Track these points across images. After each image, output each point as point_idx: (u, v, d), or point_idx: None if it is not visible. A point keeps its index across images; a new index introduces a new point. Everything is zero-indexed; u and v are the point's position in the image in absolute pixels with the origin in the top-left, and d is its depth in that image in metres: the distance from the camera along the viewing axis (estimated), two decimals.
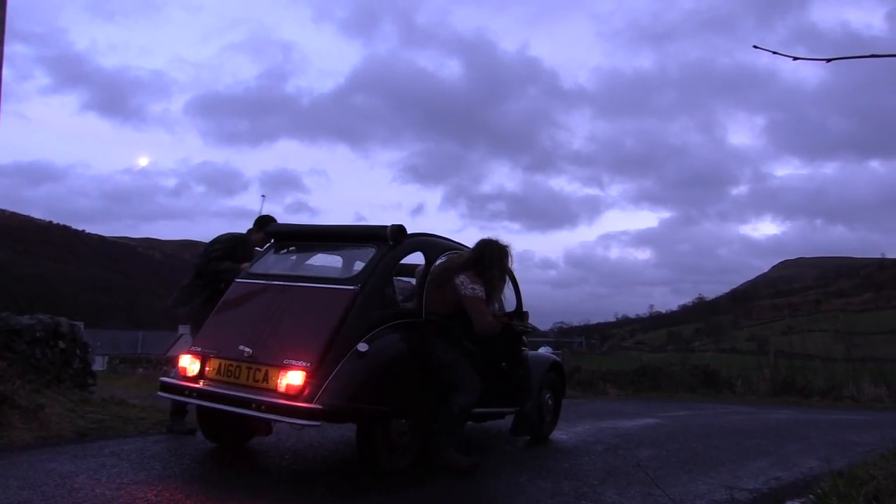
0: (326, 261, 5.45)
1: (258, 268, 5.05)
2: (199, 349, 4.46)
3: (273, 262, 5.11)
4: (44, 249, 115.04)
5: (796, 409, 11.93)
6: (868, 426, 8.82)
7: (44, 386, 6.12)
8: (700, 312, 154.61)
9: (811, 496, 4.01)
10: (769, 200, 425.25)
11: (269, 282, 4.77)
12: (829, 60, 1.71)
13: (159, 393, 4.62)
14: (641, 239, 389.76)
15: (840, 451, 6.41)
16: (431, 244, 5.12)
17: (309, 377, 3.95)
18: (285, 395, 3.94)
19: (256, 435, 4.85)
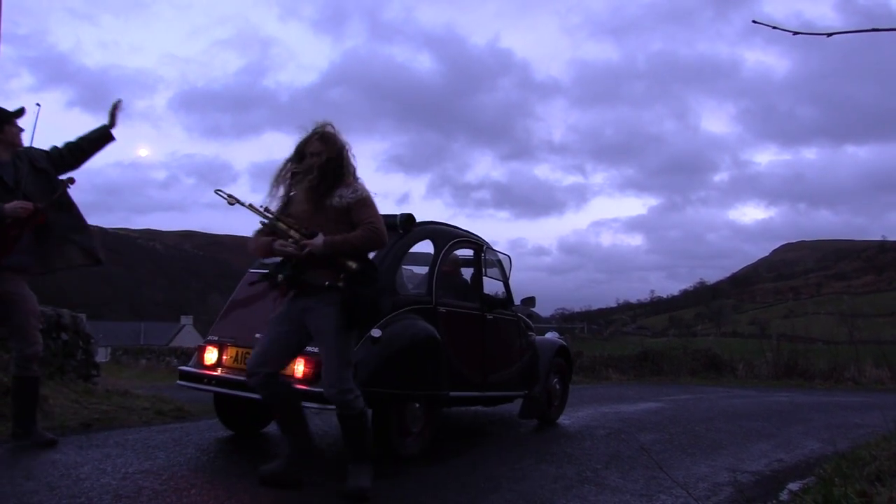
0: None
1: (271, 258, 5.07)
2: (216, 338, 4.57)
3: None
4: None
5: (798, 392, 11.96)
6: (870, 408, 8.83)
7: (47, 377, 6.13)
8: (701, 297, 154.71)
9: (813, 478, 4.02)
10: (752, 186, 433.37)
11: None
12: (829, 35, 1.68)
13: (179, 381, 4.66)
14: (632, 225, 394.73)
15: (842, 432, 6.43)
16: (440, 232, 5.20)
17: None
18: (302, 381, 4.04)
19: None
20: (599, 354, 16.87)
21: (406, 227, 4.76)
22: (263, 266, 4.90)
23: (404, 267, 5.40)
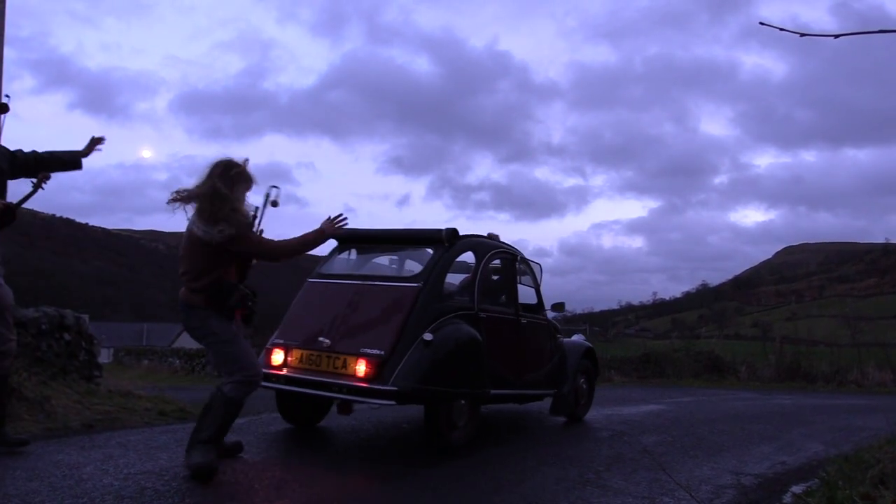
0: (386, 261, 6.00)
1: (328, 268, 5.59)
2: (282, 341, 5.01)
3: (340, 264, 5.70)
4: (48, 243, 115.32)
5: (801, 395, 11.93)
6: (873, 410, 8.81)
7: (50, 378, 6.14)
8: (704, 299, 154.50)
9: (817, 480, 4.01)
10: (752, 189, 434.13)
11: (339, 281, 5.35)
12: (836, 37, 1.68)
13: None
14: (633, 228, 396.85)
15: (845, 435, 6.42)
16: (480, 244, 5.66)
17: (383, 364, 4.51)
18: (363, 380, 4.51)
19: (340, 414, 5.12)
20: (602, 356, 16.81)
21: (451, 240, 5.24)
22: (322, 276, 5.45)
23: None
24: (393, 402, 4.44)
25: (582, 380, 6.73)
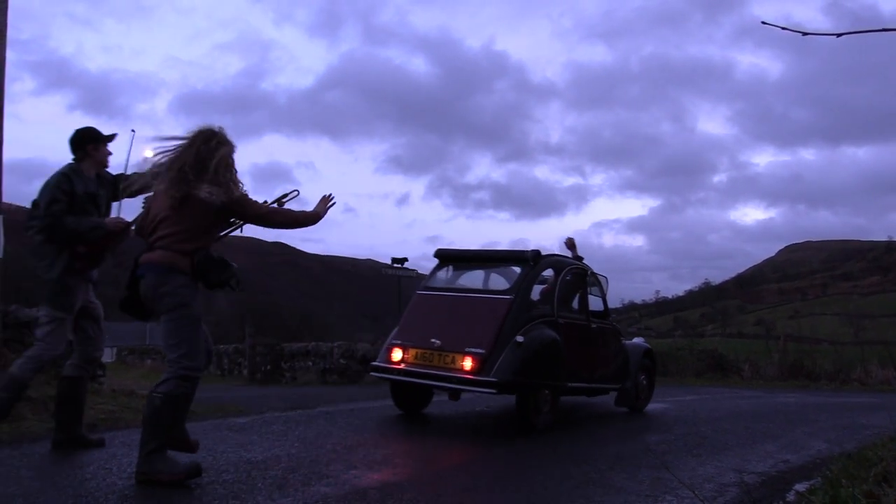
0: (477, 276, 6.91)
1: (433, 283, 6.73)
2: (400, 342, 6.03)
3: (441, 278, 6.81)
4: None
5: (804, 393, 11.92)
6: (876, 408, 8.80)
7: (53, 378, 6.14)
8: (706, 297, 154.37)
9: (820, 479, 4.00)
10: (751, 187, 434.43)
11: (445, 293, 6.49)
12: (839, 35, 1.67)
13: (371, 373, 6.26)
14: (633, 226, 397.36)
15: (849, 433, 6.41)
16: (558, 262, 6.74)
17: (485, 360, 5.51)
18: (469, 373, 5.51)
19: (451, 400, 6.33)
20: None
21: (535, 259, 6.27)
22: (429, 289, 6.55)
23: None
24: (494, 392, 5.52)
25: (642, 377, 7.65)
